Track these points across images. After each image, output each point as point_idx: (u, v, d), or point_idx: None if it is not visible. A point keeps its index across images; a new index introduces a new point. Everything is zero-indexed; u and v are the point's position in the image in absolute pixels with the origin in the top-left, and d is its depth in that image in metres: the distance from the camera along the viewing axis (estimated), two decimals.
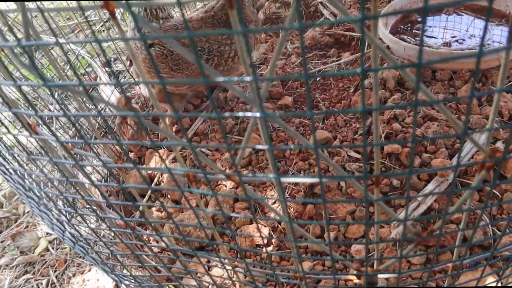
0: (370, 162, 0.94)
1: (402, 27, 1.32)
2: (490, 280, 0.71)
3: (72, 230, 0.56)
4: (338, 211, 0.87)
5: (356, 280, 0.42)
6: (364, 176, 0.26)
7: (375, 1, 0.24)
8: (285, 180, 0.29)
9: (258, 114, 0.22)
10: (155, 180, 1.10)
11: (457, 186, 0.86)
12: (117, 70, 1.46)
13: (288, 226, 0.33)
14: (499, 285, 0.56)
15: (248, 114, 0.23)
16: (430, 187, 0.85)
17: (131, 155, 1.17)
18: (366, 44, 1.37)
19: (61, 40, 0.26)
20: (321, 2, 1.66)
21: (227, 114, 0.23)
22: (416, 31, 1.32)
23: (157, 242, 0.91)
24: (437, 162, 0.87)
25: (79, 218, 0.68)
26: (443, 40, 1.24)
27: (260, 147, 0.26)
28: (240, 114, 0.23)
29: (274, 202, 0.95)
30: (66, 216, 0.57)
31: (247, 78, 0.23)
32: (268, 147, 0.26)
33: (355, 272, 0.39)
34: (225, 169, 1.04)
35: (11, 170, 0.54)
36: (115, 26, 0.26)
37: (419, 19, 1.39)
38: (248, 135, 0.27)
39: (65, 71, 1.46)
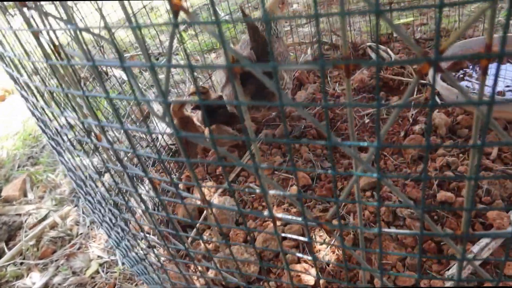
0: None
1: (454, 74, 1.33)
2: None
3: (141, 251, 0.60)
4: (388, 257, 0.86)
5: None
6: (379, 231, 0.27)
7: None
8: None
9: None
10: (205, 212, 1.13)
11: None
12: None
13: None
14: None
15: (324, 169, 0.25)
16: (485, 240, 0.84)
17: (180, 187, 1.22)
18: (416, 89, 1.39)
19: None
20: (369, 46, 1.70)
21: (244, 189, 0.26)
22: (467, 78, 1.32)
23: (203, 272, 0.93)
24: (493, 214, 0.85)
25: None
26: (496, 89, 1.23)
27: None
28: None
29: (322, 243, 0.96)
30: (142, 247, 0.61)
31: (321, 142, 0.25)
32: (336, 199, 0.29)
33: None
34: (273, 205, 1.06)
35: (106, 209, 0.60)
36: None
37: (470, 66, 1.39)
38: (347, 190, 0.29)
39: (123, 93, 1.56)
